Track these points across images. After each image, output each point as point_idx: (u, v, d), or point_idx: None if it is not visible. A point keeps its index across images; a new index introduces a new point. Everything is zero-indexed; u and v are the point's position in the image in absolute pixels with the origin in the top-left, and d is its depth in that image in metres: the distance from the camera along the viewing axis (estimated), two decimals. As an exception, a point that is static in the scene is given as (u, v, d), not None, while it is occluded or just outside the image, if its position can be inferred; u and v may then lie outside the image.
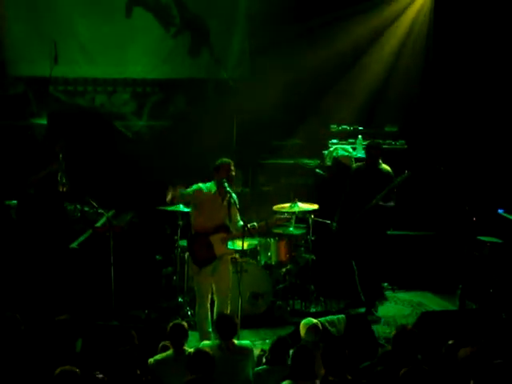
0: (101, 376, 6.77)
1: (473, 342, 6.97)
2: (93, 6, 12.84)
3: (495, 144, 12.21)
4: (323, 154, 12.37)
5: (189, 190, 9.11)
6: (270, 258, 10.44)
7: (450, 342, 6.97)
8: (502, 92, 12.26)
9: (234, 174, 9.16)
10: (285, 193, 10.76)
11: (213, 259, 9.12)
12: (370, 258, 10.50)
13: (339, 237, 10.70)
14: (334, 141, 12.41)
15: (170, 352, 7.50)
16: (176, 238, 10.20)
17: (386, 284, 11.41)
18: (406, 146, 12.37)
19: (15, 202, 10.70)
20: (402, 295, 11.37)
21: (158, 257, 10.82)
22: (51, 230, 10.39)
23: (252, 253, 10.42)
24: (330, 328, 8.51)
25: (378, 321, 10.29)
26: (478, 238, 10.70)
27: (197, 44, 13.26)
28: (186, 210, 9.79)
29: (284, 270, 10.54)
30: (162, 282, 10.58)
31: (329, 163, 12.22)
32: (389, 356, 6.91)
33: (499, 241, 10.67)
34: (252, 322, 9.83)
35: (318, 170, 12.26)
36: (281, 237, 10.55)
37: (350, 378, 6.63)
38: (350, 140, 12.42)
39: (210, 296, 9.27)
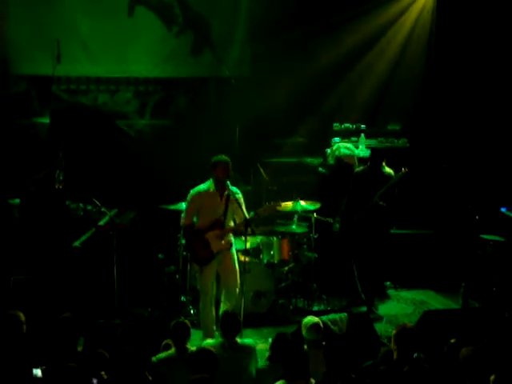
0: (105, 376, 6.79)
1: (475, 341, 6.98)
2: (95, 5, 12.84)
3: (498, 142, 12.21)
4: (326, 153, 12.38)
5: (186, 206, 9.26)
6: (272, 256, 10.43)
7: (452, 341, 6.97)
8: (504, 90, 12.26)
9: (229, 169, 9.21)
10: (287, 191, 10.77)
11: (212, 257, 9.16)
12: (372, 257, 10.51)
13: (341, 235, 10.71)
14: (337, 139, 12.42)
15: (172, 351, 7.51)
16: (178, 236, 10.22)
17: (388, 283, 11.42)
18: (408, 145, 12.37)
19: (18, 200, 10.73)
20: (405, 294, 11.36)
21: (160, 255, 10.82)
22: (54, 228, 10.41)
23: (254, 251, 10.43)
24: (331, 326, 8.51)
25: (380, 319, 10.30)
26: (481, 236, 10.71)
27: (199, 43, 13.26)
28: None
29: (286, 268, 10.54)
30: (164, 281, 10.58)
31: (331, 162, 12.22)
32: (391, 355, 6.91)
33: (502, 239, 10.67)
34: (255, 321, 9.82)
35: (320, 169, 12.27)
36: (283, 235, 10.54)
37: (353, 376, 6.63)
38: (353, 138, 12.43)
39: (213, 294, 9.31)
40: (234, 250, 9.40)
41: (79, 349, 7.40)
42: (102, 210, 10.15)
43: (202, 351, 6.96)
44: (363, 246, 10.50)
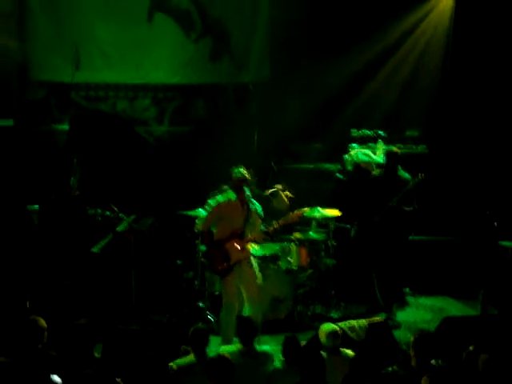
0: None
1: (494, 348, 6.94)
2: (114, 12, 12.88)
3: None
4: (344, 159, 12.36)
5: (204, 216, 9.28)
6: (290, 263, 10.42)
7: (471, 348, 6.94)
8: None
9: (249, 179, 9.25)
10: (305, 197, 10.77)
11: (231, 269, 9.17)
12: (390, 263, 10.48)
13: (359, 242, 10.69)
14: (355, 145, 12.40)
15: (191, 357, 7.50)
16: (197, 242, 10.23)
17: (407, 289, 11.38)
18: (427, 151, 12.34)
19: (37, 206, 10.78)
20: (424, 300, 11.31)
21: (178, 261, 10.84)
22: (72, 234, 10.46)
23: (273, 258, 10.43)
24: (349, 333, 8.49)
25: (398, 326, 10.26)
26: (500, 243, 10.66)
27: (218, 49, 13.28)
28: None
29: (305, 274, 10.53)
30: (182, 287, 10.60)
31: (349, 168, 12.20)
32: (409, 361, 6.90)
33: (521, 246, 10.63)
34: (273, 327, 9.82)
35: (338, 175, 12.25)
36: (301, 242, 10.54)
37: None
38: (371, 144, 12.41)
39: (237, 303, 9.29)
40: (252, 258, 9.41)
41: (97, 355, 7.41)
42: (120, 215, 10.17)
43: (220, 358, 6.95)
44: (381, 252, 10.48)
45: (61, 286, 9.84)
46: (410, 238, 11.17)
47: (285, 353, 7.53)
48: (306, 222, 10.80)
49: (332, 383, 6.78)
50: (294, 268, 10.41)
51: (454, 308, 11.06)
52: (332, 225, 10.65)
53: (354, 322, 8.69)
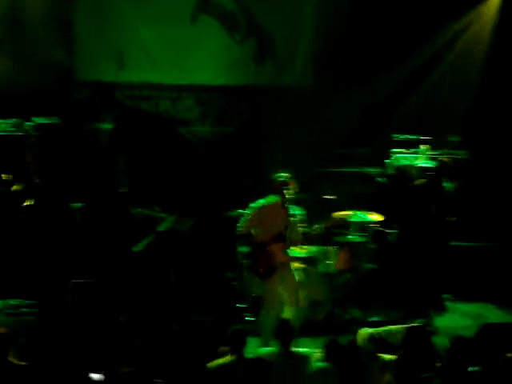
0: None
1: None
2: (158, 13, 12.98)
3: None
4: (385, 163, 12.34)
5: (246, 219, 9.31)
6: (329, 266, 10.44)
7: (509, 355, 6.90)
8: None
9: (291, 183, 9.29)
10: (347, 201, 10.78)
11: (274, 270, 9.22)
12: (430, 269, 10.45)
13: (399, 246, 10.67)
14: (397, 150, 12.37)
15: (229, 357, 7.55)
16: (237, 244, 10.28)
17: (447, 295, 11.33)
18: (468, 156, 12.27)
19: (79, 204, 10.90)
20: (464, 307, 11.25)
21: (219, 262, 10.90)
22: (115, 232, 10.56)
23: (312, 261, 10.45)
24: (387, 338, 8.48)
25: (437, 332, 10.21)
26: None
27: (262, 51, 13.33)
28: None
29: (344, 278, 10.54)
30: (222, 288, 10.65)
31: (391, 172, 12.17)
32: (445, 368, 6.87)
33: None
34: (311, 330, 9.83)
35: (379, 179, 12.23)
36: (341, 245, 10.55)
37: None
38: (412, 149, 12.37)
39: (276, 305, 9.33)
40: (293, 261, 9.46)
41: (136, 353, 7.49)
42: (162, 215, 10.26)
43: (257, 360, 7.00)
44: (421, 257, 10.45)
45: (101, 284, 9.93)
46: (452, 243, 11.12)
47: (327, 355, 7.55)
48: (346, 226, 10.81)
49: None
50: (334, 271, 10.45)
51: (494, 315, 10.98)
52: (372, 229, 10.65)
53: (392, 327, 8.68)
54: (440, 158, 11.04)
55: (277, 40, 13.31)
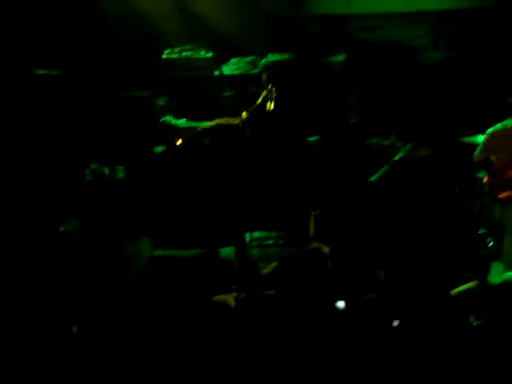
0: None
1: None
2: None
3: None
4: None
5: (482, 144, 9.08)
6: None
7: None
8: None
9: None
10: None
11: None
12: None
13: None
14: None
15: (473, 283, 7.54)
16: (476, 169, 10.14)
17: None
18: None
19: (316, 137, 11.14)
20: None
21: (456, 189, 10.80)
22: (351, 163, 10.73)
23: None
24: None
25: None
26: None
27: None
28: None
29: None
30: (463, 214, 10.57)
31: None
32: None
33: None
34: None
35: None
36: None
37: None
38: None
39: None
40: None
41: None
42: (398, 144, 10.28)
43: (504, 284, 6.96)
44: None
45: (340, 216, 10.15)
46: None
47: None
48: None
49: None
50: None
51: None
52: None
53: None
54: None
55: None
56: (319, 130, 11.36)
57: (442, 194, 10.95)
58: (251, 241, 10.47)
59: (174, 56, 12.03)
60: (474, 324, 7.00)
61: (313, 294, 7.27)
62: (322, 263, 7.52)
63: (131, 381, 6.20)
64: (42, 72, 11.63)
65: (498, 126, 9.19)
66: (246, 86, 11.90)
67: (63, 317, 7.05)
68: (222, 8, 12.58)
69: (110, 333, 6.55)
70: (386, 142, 11.03)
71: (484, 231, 10.15)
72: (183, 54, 12.05)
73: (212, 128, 10.96)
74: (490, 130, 9.20)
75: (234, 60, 12.22)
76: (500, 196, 9.17)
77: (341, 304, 7.18)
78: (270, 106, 10.97)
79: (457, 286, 7.64)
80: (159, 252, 9.31)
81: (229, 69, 12.13)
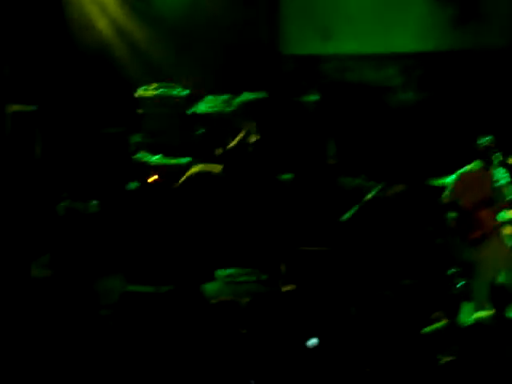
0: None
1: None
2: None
3: None
4: None
5: (450, 185, 9.30)
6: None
7: None
8: None
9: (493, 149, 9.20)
10: None
11: (484, 236, 9.16)
12: None
13: None
14: None
15: (444, 322, 7.59)
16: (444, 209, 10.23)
17: None
18: None
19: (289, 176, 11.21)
20: None
21: (429, 228, 10.90)
22: (324, 203, 10.79)
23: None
24: None
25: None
26: None
27: (465, 11, 12.96)
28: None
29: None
30: (432, 254, 10.64)
31: None
32: None
33: None
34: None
35: None
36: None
37: None
38: None
39: (490, 270, 9.27)
40: (504, 226, 9.36)
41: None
42: (369, 184, 10.36)
43: (473, 325, 7.01)
44: None
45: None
46: None
47: None
48: None
49: None
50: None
51: None
52: None
53: None
54: None
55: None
56: (293, 169, 11.42)
57: (413, 234, 11.04)
58: (225, 277, 10.46)
59: (149, 93, 12.08)
60: (443, 361, 7.07)
61: (284, 332, 7.31)
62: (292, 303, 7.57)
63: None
64: (16, 108, 11.63)
65: (467, 167, 9.34)
66: (220, 124, 11.96)
67: (33, 352, 7.02)
68: (196, 46, 12.71)
69: (81, 367, 6.53)
70: (357, 182, 11.11)
71: (454, 271, 10.23)
72: (158, 91, 12.10)
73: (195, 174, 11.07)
74: (458, 172, 9.36)
75: (209, 98, 12.28)
76: (469, 237, 9.28)
77: (312, 341, 7.22)
78: (248, 146, 11.12)
79: (427, 325, 7.68)
80: (131, 288, 9.30)
81: (204, 107, 12.18)
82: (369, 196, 10.88)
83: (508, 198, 9.13)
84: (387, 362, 7.36)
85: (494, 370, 6.95)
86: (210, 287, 9.68)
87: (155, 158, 11.42)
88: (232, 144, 11.15)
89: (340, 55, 13.21)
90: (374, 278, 10.04)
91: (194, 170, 11.04)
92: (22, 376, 6.95)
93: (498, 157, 9.27)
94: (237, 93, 12.30)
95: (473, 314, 8.17)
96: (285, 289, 9.51)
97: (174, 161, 11.31)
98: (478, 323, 7.17)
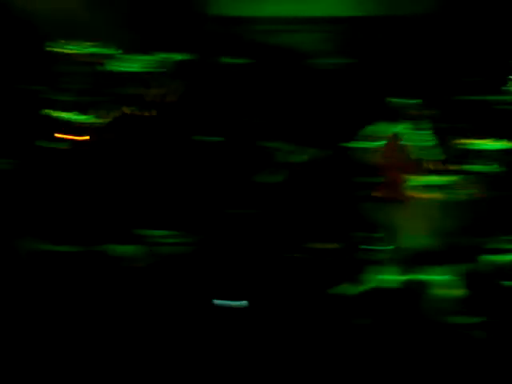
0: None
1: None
2: None
3: None
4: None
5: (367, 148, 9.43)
6: (453, 194, 10.23)
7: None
8: None
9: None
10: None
11: (397, 199, 9.29)
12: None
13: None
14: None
15: (351, 286, 7.65)
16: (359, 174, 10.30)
17: None
18: None
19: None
20: None
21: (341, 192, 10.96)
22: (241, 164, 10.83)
23: (435, 189, 10.29)
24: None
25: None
26: None
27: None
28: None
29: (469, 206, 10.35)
30: (345, 217, 10.72)
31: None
32: None
33: None
34: (435, 259, 9.76)
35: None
36: (466, 174, 10.35)
37: None
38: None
39: (402, 234, 9.40)
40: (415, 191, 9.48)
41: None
42: (288, 148, 10.39)
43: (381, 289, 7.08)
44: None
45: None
46: None
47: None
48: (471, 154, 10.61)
49: None
50: (458, 200, 10.30)
51: None
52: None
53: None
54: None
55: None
56: (214, 131, 11.41)
57: (334, 197, 11.11)
58: (143, 238, 10.44)
59: (69, 50, 11.92)
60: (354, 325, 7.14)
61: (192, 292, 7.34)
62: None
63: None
64: None
65: (392, 130, 9.40)
66: (142, 84, 11.88)
67: None
68: (121, 4, 12.58)
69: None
70: (275, 145, 11.15)
71: (372, 235, 10.33)
72: (78, 49, 11.95)
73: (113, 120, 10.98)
74: (374, 135, 9.40)
75: (133, 57, 12.16)
76: (388, 200, 9.35)
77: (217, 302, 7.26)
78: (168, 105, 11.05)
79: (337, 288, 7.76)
80: (38, 246, 9.24)
81: (126, 65, 12.07)
82: (291, 159, 10.93)
83: (431, 162, 9.23)
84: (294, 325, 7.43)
85: (404, 334, 7.07)
86: (123, 249, 9.65)
87: (68, 115, 11.30)
88: (149, 99, 11.06)
89: (269, 18, 13.16)
90: (288, 242, 10.10)
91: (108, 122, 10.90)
92: None
93: (423, 120, 9.36)
94: (163, 53, 12.21)
95: (386, 278, 8.28)
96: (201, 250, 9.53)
97: (87, 117, 11.21)
98: (390, 287, 7.24)
